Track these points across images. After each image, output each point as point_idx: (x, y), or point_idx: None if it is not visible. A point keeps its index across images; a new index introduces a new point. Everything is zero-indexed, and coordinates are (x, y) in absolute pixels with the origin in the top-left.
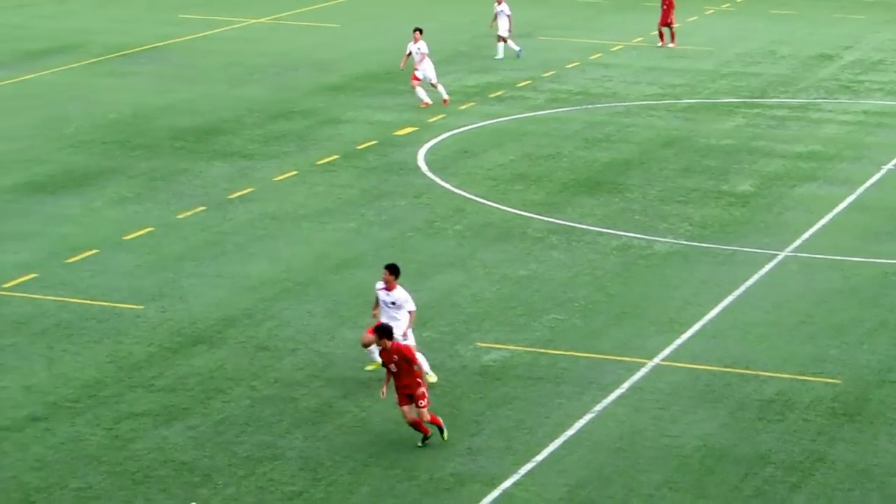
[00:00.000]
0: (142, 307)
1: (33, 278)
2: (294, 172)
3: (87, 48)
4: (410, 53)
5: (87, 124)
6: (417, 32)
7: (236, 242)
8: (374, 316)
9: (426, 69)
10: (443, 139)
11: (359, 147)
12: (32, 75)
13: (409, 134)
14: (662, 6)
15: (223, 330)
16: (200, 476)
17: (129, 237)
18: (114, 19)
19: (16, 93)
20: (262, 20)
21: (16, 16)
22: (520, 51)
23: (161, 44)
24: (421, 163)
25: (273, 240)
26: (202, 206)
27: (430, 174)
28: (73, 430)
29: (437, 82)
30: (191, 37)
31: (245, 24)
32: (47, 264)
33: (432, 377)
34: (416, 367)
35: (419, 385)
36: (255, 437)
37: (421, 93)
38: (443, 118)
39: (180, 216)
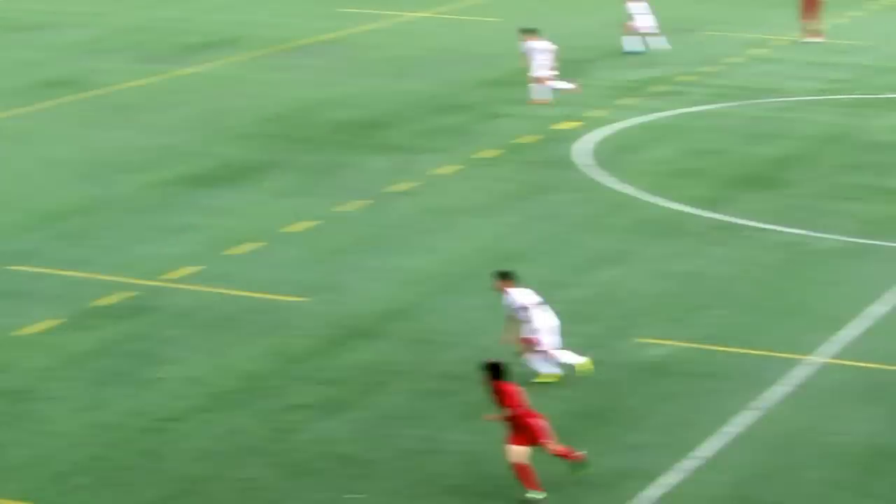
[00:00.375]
0: (303, 300)
1: (196, 271)
2: (455, 166)
3: (248, 42)
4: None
5: (249, 118)
6: (525, 34)
7: (397, 236)
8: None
9: (540, 65)
10: (604, 134)
11: (519, 141)
12: (193, 69)
13: (569, 128)
14: (805, 2)
15: (384, 323)
16: (362, 469)
17: (290, 230)
18: (275, 13)
19: (177, 87)
20: (424, 14)
21: (177, 9)
22: (630, 49)
23: (322, 38)
24: (582, 157)
25: (434, 233)
26: (363, 199)
27: (590, 169)
28: (236, 421)
29: (535, 78)
30: (352, 31)
31: (407, 17)
32: (209, 257)
33: (585, 364)
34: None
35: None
36: (416, 430)
37: (560, 84)
38: (606, 113)
39: (342, 209)
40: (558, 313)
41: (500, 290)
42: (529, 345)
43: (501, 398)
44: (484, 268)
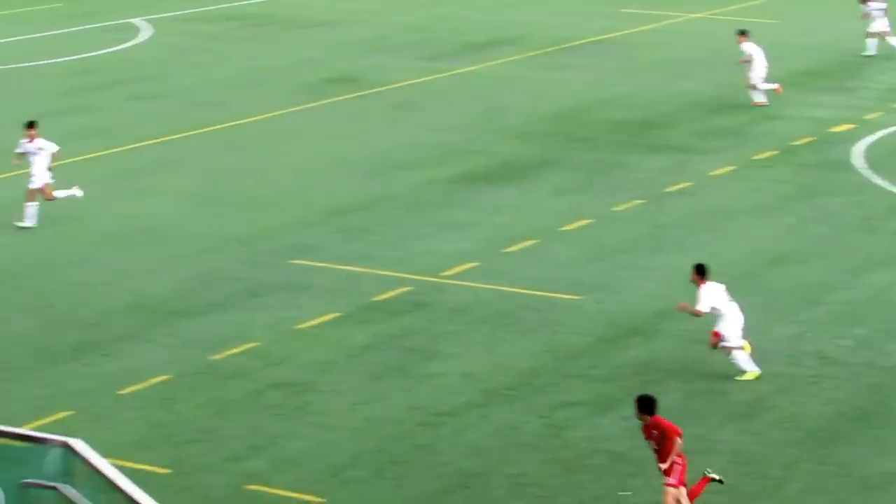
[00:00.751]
0: (578, 297)
1: (473, 267)
2: (730, 167)
3: (528, 41)
4: (749, 56)
5: (528, 116)
6: (741, 35)
7: (672, 236)
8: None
9: (755, 68)
10: (880, 136)
11: (795, 143)
12: (474, 67)
13: (845, 131)
14: None
15: (658, 322)
16: (633, 466)
17: (566, 228)
18: (554, 12)
19: (457, 84)
20: (702, 15)
21: (459, 8)
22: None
23: (601, 37)
24: (857, 160)
25: (709, 234)
26: (639, 198)
27: (866, 171)
28: (510, 417)
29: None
30: (631, 31)
31: (685, 18)
32: (486, 253)
33: (751, 373)
34: (675, 445)
35: (673, 462)
36: (688, 429)
37: (766, 86)
38: (881, 116)
39: (617, 208)
40: (830, 315)
41: (696, 283)
42: (717, 339)
43: (668, 432)
44: (758, 269)
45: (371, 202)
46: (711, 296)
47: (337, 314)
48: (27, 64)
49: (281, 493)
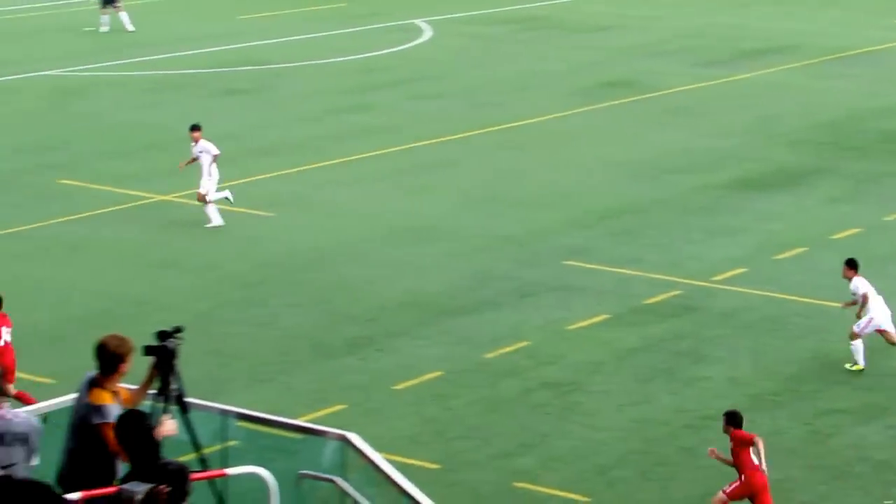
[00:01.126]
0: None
1: (742, 273)
2: None
3: (803, 49)
4: None
5: (801, 124)
6: None
7: None
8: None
9: None
10: None
11: None
12: (748, 74)
13: None
14: None
15: None
16: None
17: (836, 237)
18: (830, 22)
19: (732, 91)
20: None
21: (734, 16)
22: None
23: (877, 48)
24: None
25: None
26: None
27: None
28: (774, 422)
29: None
30: None
31: None
32: (756, 259)
33: (858, 365)
34: (753, 455)
35: (741, 478)
36: None
37: None
38: None
39: (887, 218)
40: None
41: (847, 277)
42: (861, 329)
43: (745, 439)
44: None
45: (643, 206)
46: (863, 286)
47: (607, 316)
48: (313, 62)
49: (547, 491)
